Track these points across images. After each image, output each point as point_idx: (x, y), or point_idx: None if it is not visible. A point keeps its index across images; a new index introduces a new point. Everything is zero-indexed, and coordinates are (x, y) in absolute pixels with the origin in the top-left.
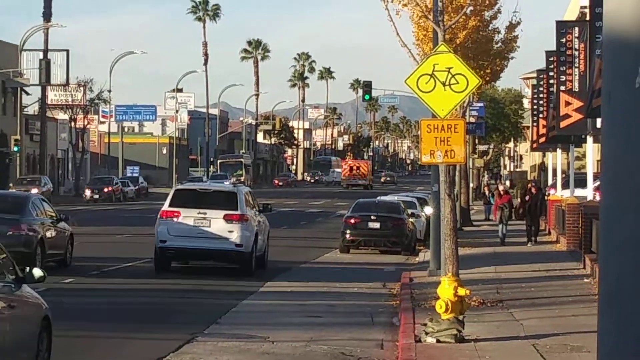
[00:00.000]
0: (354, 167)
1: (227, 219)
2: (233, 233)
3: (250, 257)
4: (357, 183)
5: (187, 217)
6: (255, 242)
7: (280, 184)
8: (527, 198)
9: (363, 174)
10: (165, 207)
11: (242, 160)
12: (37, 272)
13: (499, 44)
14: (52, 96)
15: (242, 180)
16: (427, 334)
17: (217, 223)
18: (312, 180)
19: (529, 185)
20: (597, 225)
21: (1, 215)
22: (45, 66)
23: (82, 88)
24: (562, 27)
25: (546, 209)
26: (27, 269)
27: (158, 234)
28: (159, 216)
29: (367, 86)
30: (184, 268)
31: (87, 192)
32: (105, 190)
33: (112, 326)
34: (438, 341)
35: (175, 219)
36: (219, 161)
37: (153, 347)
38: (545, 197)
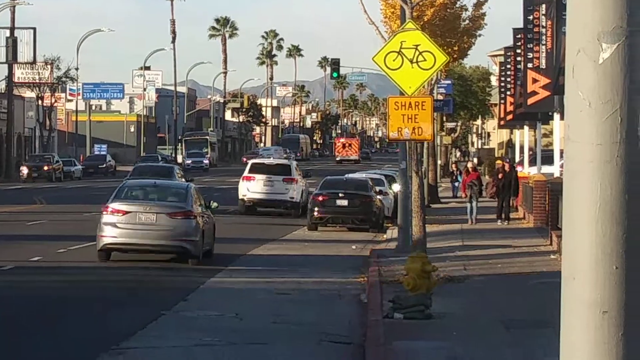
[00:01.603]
0: (346, 145)
1: (285, 181)
2: (289, 190)
3: (298, 204)
4: (349, 159)
5: (259, 180)
6: (301, 196)
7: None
8: (499, 176)
9: (354, 151)
10: (245, 173)
11: (207, 137)
12: (214, 204)
13: (467, 21)
14: (19, 74)
15: (208, 158)
16: (394, 310)
17: (278, 184)
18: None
19: (502, 162)
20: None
21: None
22: (12, 44)
23: (49, 66)
24: (529, 5)
25: (518, 187)
26: (210, 202)
27: (240, 190)
28: (241, 179)
29: (335, 64)
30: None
31: (24, 170)
32: (45, 168)
33: (81, 304)
34: (406, 317)
35: (252, 181)
36: (184, 139)
37: (121, 325)
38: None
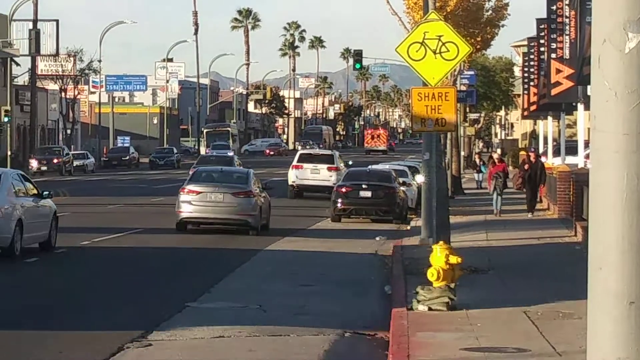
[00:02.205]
0: (375, 136)
1: (329, 169)
2: (332, 177)
3: None
4: (378, 149)
5: (307, 168)
6: None
7: (272, 153)
8: (526, 167)
9: (383, 141)
10: (294, 162)
11: (229, 129)
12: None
13: (490, 11)
14: (42, 66)
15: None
16: (418, 301)
17: (323, 171)
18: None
19: (528, 152)
20: (588, 193)
21: None
22: (35, 36)
23: (72, 58)
24: None
25: (546, 177)
26: (266, 184)
27: (290, 177)
28: (291, 168)
29: (357, 55)
30: (177, 236)
31: (34, 163)
32: (55, 161)
33: (107, 294)
34: (430, 309)
35: (300, 170)
36: (205, 130)
37: (147, 315)
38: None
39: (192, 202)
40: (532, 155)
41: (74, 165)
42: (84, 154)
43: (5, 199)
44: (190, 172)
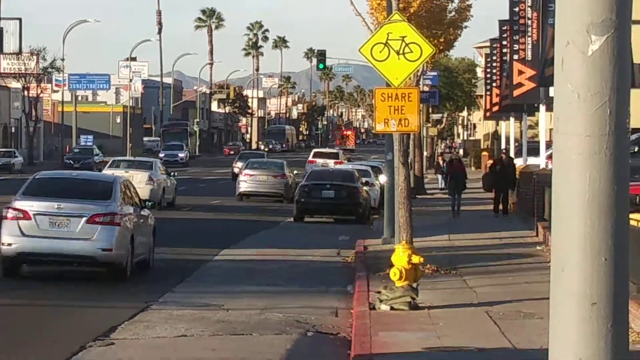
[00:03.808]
0: (344, 136)
1: (335, 163)
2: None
3: None
4: (347, 148)
5: (320, 162)
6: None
7: (232, 152)
8: (497, 168)
9: (352, 141)
10: (310, 158)
11: (187, 128)
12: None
13: (453, 13)
14: (5, 65)
15: (187, 149)
16: (381, 301)
17: (331, 164)
18: (266, 149)
19: (501, 153)
20: (550, 194)
21: None
22: None
23: (35, 57)
24: None
25: (516, 180)
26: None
27: (307, 169)
28: (307, 163)
29: (321, 55)
30: None
31: None
32: None
33: (65, 295)
34: (392, 308)
35: (315, 164)
36: (161, 129)
37: (107, 316)
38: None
39: (246, 181)
40: (504, 156)
41: None
42: (12, 152)
43: (118, 208)
44: (244, 162)
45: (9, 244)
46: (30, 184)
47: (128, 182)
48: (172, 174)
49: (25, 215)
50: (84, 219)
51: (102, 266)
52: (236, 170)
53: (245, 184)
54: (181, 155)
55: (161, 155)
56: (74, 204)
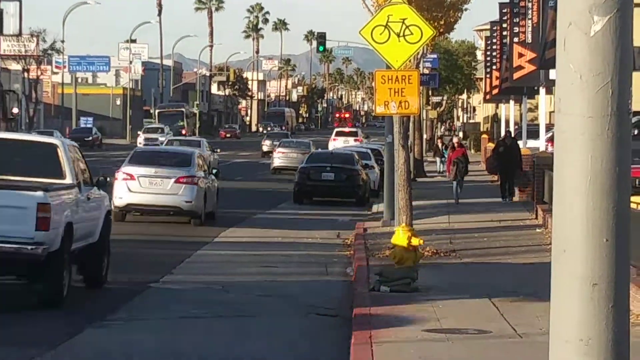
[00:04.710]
0: (342, 118)
1: (355, 140)
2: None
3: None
4: (345, 130)
5: (340, 140)
6: None
7: (228, 135)
8: (500, 150)
9: (349, 124)
10: (332, 137)
11: (183, 110)
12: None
13: None
14: (5, 46)
15: (184, 131)
16: (380, 283)
17: (352, 142)
18: (264, 132)
19: (505, 135)
20: (550, 176)
21: None
22: None
23: (35, 38)
24: None
25: (520, 162)
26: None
27: (329, 147)
28: (331, 140)
29: (321, 37)
30: (138, 220)
31: None
32: None
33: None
34: (392, 290)
35: (337, 141)
36: (157, 111)
37: (108, 298)
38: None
39: (280, 158)
40: (507, 139)
41: None
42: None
43: (196, 172)
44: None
45: (120, 197)
46: (133, 155)
47: (201, 154)
48: (215, 150)
49: (131, 177)
50: (173, 179)
51: (185, 214)
52: (265, 148)
53: (278, 160)
54: (161, 139)
55: (139, 139)
56: (166, 169)
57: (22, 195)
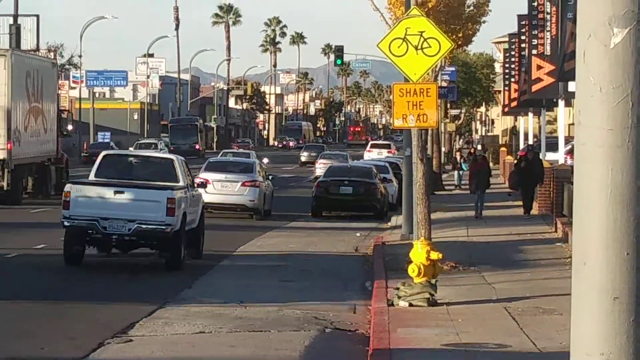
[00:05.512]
0: (355, 132)
1: (388, 152)
2: (389, 157)
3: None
4: (359, 143)
5: (375, 151)
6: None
7: (240, 149)
8: (522, 165)
9: (362, 136)
10: (367, 149)
11: (196, 124)
12: None
13: (471, 7)
14: None
15: (198, 146)
16: (399, 297)
17: (385, 153)
18: (280, 146)
19: (525, 150)
20: (569, 189)
21: None
22: (16, 31)
23: (52, 53)
24: None
25: (542, 176)
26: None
27: (365, 157)
28: (366, 152)
29: (339, 51)
30: (212, 216)
31: None
32: None
33: (85, 292)
34: (411, 305)
35: (372, 153)
36: (169, 125)
37: (126, 313)
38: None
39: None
40: (529, 153)
41: None
42: None
43: (257, 177)
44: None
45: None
46: (207, 165)
47: (260, 163)
48: (263, 159)
49: (207, 181)
50: (239, 183)
51: (249, 210)
52: (303, 158)
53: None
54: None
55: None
56: (233, 175)
57: (157, 193)
